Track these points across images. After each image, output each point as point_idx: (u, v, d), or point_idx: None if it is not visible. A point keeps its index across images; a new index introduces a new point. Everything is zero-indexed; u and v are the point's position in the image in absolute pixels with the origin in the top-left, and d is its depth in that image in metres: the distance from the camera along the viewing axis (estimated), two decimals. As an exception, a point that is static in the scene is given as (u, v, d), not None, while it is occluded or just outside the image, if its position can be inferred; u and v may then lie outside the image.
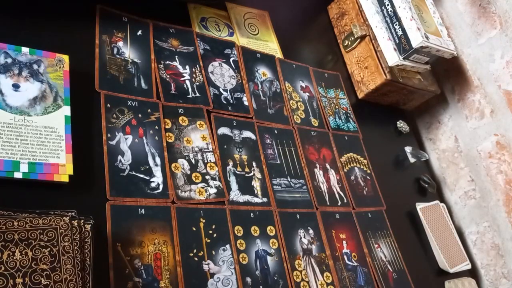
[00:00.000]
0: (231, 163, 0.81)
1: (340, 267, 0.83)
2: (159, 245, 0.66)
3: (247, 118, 0.88)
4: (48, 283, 0.52)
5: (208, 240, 0.71)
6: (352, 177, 0.97)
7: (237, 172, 0.81)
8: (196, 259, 0.68)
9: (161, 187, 0.70)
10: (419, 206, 1.04)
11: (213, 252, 0.70)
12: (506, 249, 1.07)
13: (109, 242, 0.62)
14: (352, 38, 1.14)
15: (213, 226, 0.72)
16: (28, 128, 0.62)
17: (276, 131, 0.91)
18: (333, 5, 1.22)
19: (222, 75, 0.90)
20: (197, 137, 0.79)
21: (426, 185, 1.11)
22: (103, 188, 0.65)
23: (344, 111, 1.07)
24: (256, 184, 0.81)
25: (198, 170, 0.76)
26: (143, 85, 0.78)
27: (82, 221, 0.59)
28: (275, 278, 0.74)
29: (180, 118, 0.79)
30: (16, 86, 0.63)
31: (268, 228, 0.78)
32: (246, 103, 0.90)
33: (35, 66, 0.66)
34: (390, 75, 1.07)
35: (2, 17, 0.69)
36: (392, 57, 1.07)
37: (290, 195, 0.85)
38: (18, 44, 0.67)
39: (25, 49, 0.67)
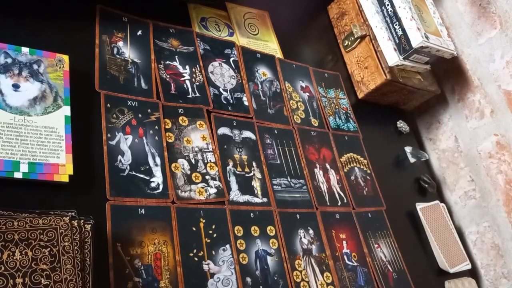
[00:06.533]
0: (231, 163, 0.81)
1: (340, 267, 0.83)
2: (159, 245, 0.66)
3: (247, 118, 0.88)
4: (48, 283, 0.52)
5: (208, 240, 0.71)
6: (352, 177, 0.97)
7: (237, 172, 0.81)
8: (196, 259, 0.68)
9: (161, 187, 0.70)
10: (419, 206, 1.04)
11: (213, 252, 0.70)
12: (506, 249, 1.07)
13: (109, 242, 0.62)
14: (352, 38, 1.14)
15: (213, 226, 0.72)
16: (28, 128, 0.62)
17: (276, 131, 0.91)
18: (333, 5, 1.22)
19: (222, 75, 0.90)
20: (197, 137, 0.79)
21: (426, 185, 1.11)
22: (103, 188, 0.65)
23: (344, 111, 1.07)
24: (256, 184, 0.81)
25: (198, 170, 0.76)
26: (143, 85, 0.78)
27: (82, 221, 0.59)
28: (275, 278, 0.74)
29: (180, 118, 0.79)
30: (16, 86, 0.63)
31: (268, 228, 0.78)
32: (246, 103, 0.90)
33: (35, 66, 0.66)
34: (390, 75, 1.07)
35: (2, 17, 0.69)
36: (392, 57, 1.07)
37: (290, 195, 0.85)
38: (18, 44, 0.67)
39: (25, 49, 0.67)
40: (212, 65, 0.90)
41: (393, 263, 0.92)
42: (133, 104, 0.75)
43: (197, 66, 0.87)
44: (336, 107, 1.06)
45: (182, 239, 0.68)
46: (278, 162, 0.87)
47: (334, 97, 1.07)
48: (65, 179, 0.61)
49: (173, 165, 0.74)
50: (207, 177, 0.76)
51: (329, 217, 0.87)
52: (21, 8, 0.72)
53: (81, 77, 0.71)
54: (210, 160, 0.78)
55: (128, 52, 0.80)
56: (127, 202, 0.66)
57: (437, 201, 1.08)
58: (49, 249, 0.54)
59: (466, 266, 1.04)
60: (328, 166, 0.94)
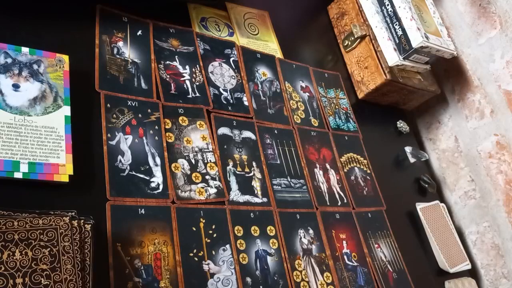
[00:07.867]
0: (231, 163, 0.81)
1: (340, 267, 0.83)
2: (159, 245, 0.66)
3: (247, 118, 0.88)
4: (48, 283, 0.52)
5: (208, 240, 0.71)
6: (352, 177, 0.97)
7: (237, 172, 0.81)
8: (196, 259, 0.68)
9: (161, 187, 0.70)
10: (419, 206, 1.04)
11: (213, 252, 0.70)
12: (506, 249, 1.07)
13: (109, 242, 0.62)
14: (352, 38, 1.14)
15: (213, 226, 0.72)
16: (28, 128, 0.62)
17: (276, 131, 0.91)
18: (333, 5, 1.22)
19: (222, 75, 0.90)
20: (197, 137, 0.79)
21: (426, 185, 1.11)
22: (103, 188, 0.65)
23: (344, 111, 1.07)
24: (256, 184, 0.81)
25: (198, 170, 0.76)
26: (143, 85, 0.78)
27: (82, 221, 0.59)
28: (275, 278, 0.74)
29: (180, 118, 0.79)
30: (16, 86, 0.63)
31: (268, 228, 0.78)
32: (246, 103, 0.90)
33: (35, 66, 0.66)
34: (390, 75, 1.07)
35: (2, 17, 0.69)
36: (392, 57, 1.07)
37: (290, 195, 0.85)
38: (18, 44, 0.67)
39: (25, 49, 0.67)
40: (212, 65, 0.90)
41: (393, 263, 0.92)
42: (133, 104, 0.75)
43: (197, 66, 0.87)
44: (336, 107, 1.06)
45: (182, 239, 0.68)
46: (278, 162, 0.87)
47: (334, 97, 1.07)
48: (65, 179, 0.61)
49: (173, 165, 0.74)
50: (207, 177, 0.76)
51: (329, 217, 0.87)
52: (21, 8, 0.72)
53: (81, 77, 0.71)
54: (210, 160, 0.78)
55: (128, 52, 0.80)
56: (127, 202, 0.66)
57: (437, 201, 1.08)
58: (49, 249, 0.54)
59: (466, 266, 1.04)
60: (328, 166, 0.94)
